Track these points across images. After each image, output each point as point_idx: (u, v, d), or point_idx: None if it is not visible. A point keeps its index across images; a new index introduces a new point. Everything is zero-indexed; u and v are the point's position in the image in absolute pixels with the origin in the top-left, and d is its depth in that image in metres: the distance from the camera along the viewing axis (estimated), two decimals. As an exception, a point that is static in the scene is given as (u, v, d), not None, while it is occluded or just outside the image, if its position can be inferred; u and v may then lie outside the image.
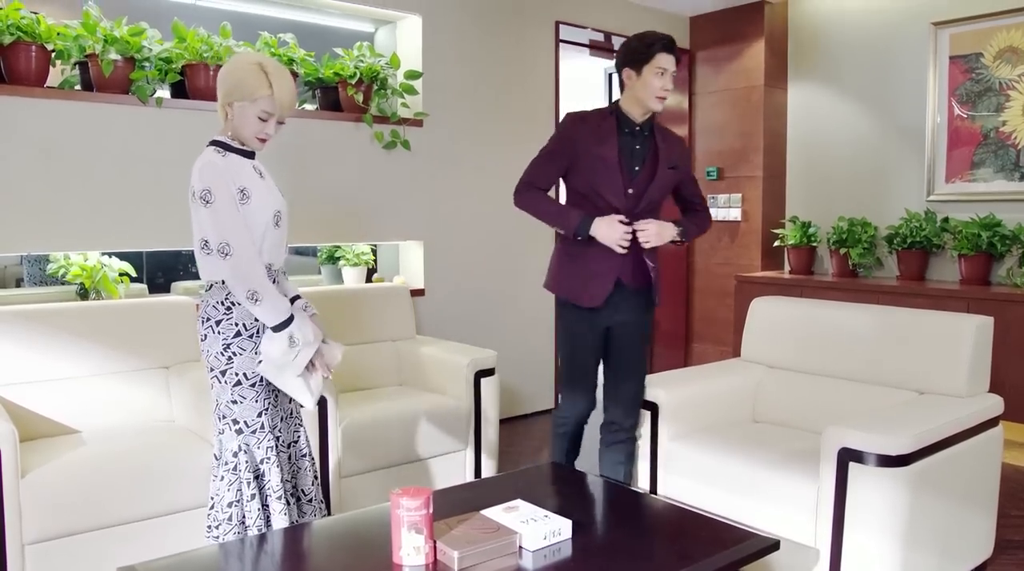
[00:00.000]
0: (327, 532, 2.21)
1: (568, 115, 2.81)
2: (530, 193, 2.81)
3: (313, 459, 2.51)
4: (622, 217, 2.69)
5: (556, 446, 2.97)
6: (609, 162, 2.70)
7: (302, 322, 2.30)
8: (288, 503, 2.36)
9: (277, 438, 2.38)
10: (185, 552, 2.05)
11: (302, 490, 2.46)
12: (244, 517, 2.31)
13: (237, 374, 2.30)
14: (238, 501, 2.31)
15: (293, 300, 2.42)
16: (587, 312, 2.78)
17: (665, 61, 2.67)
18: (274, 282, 2.36)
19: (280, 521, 2.31)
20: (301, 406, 2.46)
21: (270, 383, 2.34)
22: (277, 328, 2.25)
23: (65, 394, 3.03)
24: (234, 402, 2.31)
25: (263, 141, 2.32)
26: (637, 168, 2.74)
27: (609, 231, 2.67)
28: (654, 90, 2.67)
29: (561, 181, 2.87)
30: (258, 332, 2.30)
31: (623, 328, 2.83)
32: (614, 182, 2.70)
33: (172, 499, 2.73)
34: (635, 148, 2.75)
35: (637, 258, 2.75)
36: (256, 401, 2.32)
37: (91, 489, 2.60)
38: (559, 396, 3.08)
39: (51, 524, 2.53)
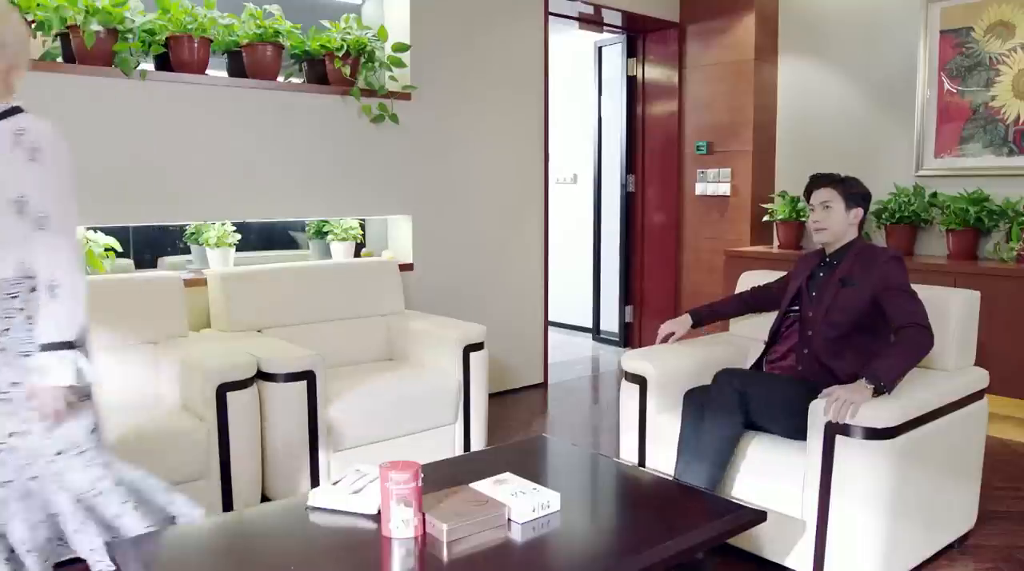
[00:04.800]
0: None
1: None
2: None
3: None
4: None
5: None
6: (790, 291, 2.91)
7: None
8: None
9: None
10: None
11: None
12: None
13: None
14: None
15: None
16: None
17: (814, 198, 2.81)
18: None
19: None
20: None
21: None
22: None
23: (52, 369, 3.01)
24: None
25: None
26: (815, 293, 2.80)
27: None
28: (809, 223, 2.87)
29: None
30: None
31: None
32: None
33: (162, 474, 2.72)
34: (819, 275, 2.84)
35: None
36: None
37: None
38: None
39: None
